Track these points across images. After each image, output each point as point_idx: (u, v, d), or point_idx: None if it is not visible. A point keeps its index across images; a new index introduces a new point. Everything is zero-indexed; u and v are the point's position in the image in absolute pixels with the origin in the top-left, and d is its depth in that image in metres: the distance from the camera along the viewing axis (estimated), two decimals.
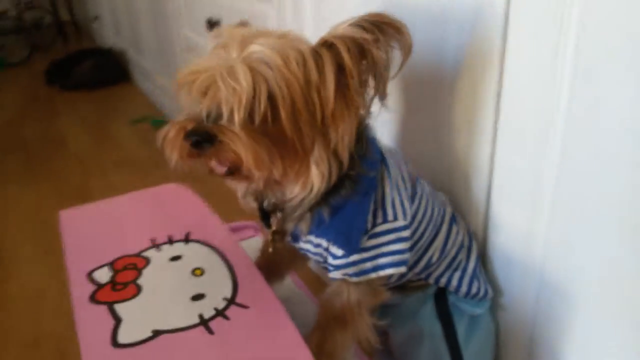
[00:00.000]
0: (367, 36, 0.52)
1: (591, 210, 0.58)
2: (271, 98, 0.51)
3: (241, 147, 0.51)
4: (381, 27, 0.53)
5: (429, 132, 0.76)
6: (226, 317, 0.59)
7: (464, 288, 0.70)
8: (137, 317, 0.60)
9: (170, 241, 0.73)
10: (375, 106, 0.58)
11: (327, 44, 0.54)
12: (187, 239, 0.73)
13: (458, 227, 0.72)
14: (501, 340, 0.75)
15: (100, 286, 0.65)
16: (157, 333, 0.57)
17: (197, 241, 0.73)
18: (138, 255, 0.70)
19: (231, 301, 0.62)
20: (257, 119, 0.51)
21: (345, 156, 0.56)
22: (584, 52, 0.53)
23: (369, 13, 0.54)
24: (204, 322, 0.58)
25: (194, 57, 0.55)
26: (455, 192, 0.75)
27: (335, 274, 0.63)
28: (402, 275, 0.69)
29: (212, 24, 1.45)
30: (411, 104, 0.78)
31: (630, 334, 0.58)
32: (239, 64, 0.50)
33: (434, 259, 0.69)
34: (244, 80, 0.50)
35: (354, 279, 0.63)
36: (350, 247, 0.61)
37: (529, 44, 0.59)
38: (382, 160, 0.64)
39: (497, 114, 0.66)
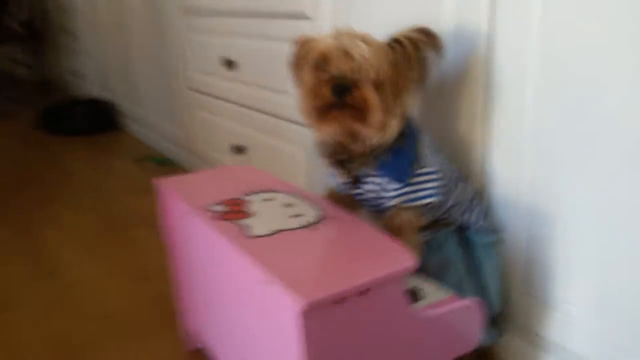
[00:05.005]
0: (424, 38, 0.83)
1: (565, 154, 0.88)
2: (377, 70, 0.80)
3: (372, 95, 0.79)
4: (427, 34, 0.85)
5: (439, 119, 1.06)
6: (323, 223, 0.84)
7: (478, 222, 0.98)
8: (260, 225, 0.83)
9: (260, 192, 0.98)
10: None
11: (397, 41, 0.84)
12: (273, 190, 0.98)
13: (465, 184, 1.00)
14: (505, 266, 1.02)
15: (222, 213, 0.88)
16: (277, 231, 0.81)
17: (282, 192, 0.98)
18: (238, 198, 0.95)
19: (322, 217, 0.87)
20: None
21: (406, 116, 0.86)
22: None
23: (419, 25, 0.85)
24: (306, 226, 0.83)
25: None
26: (459, 161, 1.04)
27: (392, 202, 0.90)
28: (433, 214, 0.96)
29: (230, 63, 1.75)
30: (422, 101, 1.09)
31: (606, 240, 0.85)
32: (360, 42, 0.79)
33: (455, 204, 0.97)
34: (368, 52, 0.79)
35: (406, 205, 0.90)
36: (404, 178, 0.89)
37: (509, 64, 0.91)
38: (416, 129, 0.93)
39: (485, 106, 0.97)
